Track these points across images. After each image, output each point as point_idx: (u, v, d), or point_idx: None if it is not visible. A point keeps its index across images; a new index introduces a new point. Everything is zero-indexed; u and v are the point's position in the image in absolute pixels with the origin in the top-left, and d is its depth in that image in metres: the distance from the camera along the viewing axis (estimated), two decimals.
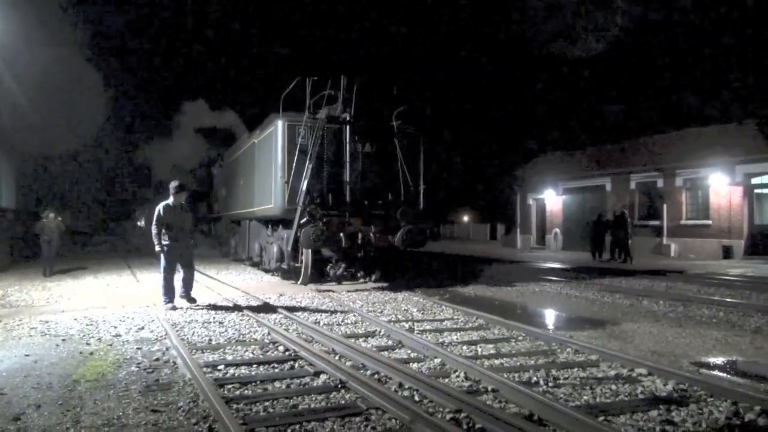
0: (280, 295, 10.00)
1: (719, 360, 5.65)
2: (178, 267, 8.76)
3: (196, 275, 13.30)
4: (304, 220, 10.51)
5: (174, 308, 8.34)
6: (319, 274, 11.38)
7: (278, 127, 11.32)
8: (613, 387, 4.62)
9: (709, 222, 19.94)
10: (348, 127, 11.20)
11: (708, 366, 5.38)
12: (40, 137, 20.90)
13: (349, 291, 10.54)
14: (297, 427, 3.72)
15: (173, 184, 8.71)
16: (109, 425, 3.77)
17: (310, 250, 10.91)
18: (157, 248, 8.41)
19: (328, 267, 11.37)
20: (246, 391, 4.49)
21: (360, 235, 10.94)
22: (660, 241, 21.44)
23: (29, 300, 9.80)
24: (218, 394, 4.18)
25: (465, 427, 3.68)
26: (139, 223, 50.51)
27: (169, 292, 8.51)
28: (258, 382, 4.74)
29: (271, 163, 11.53)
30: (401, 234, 11.02)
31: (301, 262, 11.05)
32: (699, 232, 20.24)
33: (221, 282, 12.13)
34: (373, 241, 11.06)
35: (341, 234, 10.73)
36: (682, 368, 5.06)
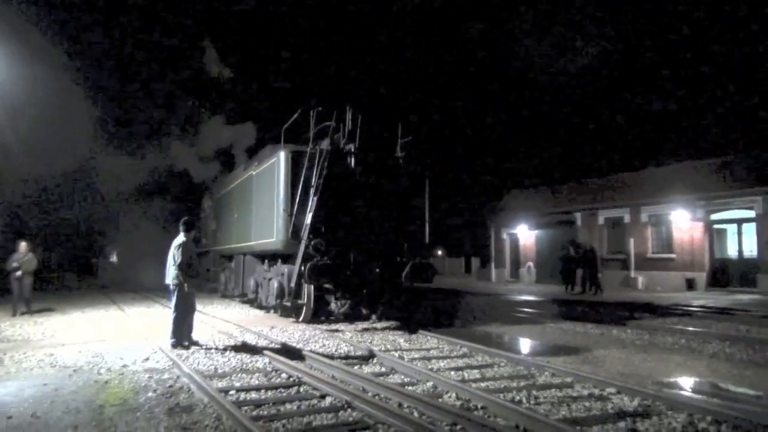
0: (272, 327, 10.44)
1: (678, 380, 6.35)
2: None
3: None
4: (308, 254, 10.12)
5: (186, 348, 8.18)
6: (321, 311, 11.10)
7: (281, 158, 11.06)
8: (587, 404, 5.24)
9: (674, 256, 21.02)
10: (353, 158, 10.94)
11: (669, 385, 6.05)
12: (21, 171, 21.17)
13: (356, 330, 10.16)
14: None
15: (183, 221, 8.73)
16: None
17: (312, 286, 10.52)
18: (186, 287, 8.37)
19: (332, 304, 10.98)
20: (262, 412, 4.99)
21: (365, 271, 10.55)
22: (628, 274, 22.43)
23: (25, 335, 10.03)
24: (241, 413, 4.67)
25: None
26: (111, 259, 50.00)
27: (178, 333, 8.32)
28: (270, 404, 5.24)
29: (273, 196, 11.24)
30: (408, 269, 10.75)
31: (304, 298, 10.76)
32: (664, 265, 21.28)
33: (212, 316, 12.50)
34: (379, 276, 10.66)
35: (346, 269, 10.34)
36: (647, 387, 5.71)
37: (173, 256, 8.45)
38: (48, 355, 7.79)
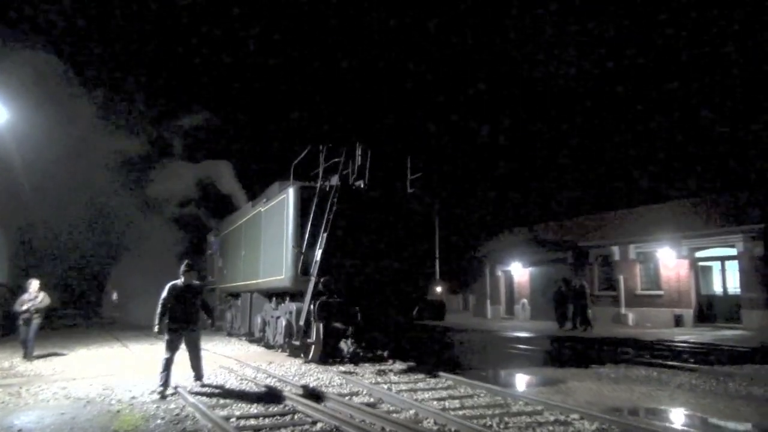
0: (270, 362, 11.00)
1: (638, 407, 6.97)
2: (183, 347, 8.45)
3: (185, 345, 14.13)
4: (318, 291, 10.07)
5: (163, 396, 7.61)
6: (330, 351, 10.81)
7: (290, 194, 11.02)
8: (550, 428, 5.87)
9: (662, 292, 21.62)
10: (363, 194, 10.99)
11: (628, 411, 6.66)
12: (31, 213, 22.01)
13: (370, 372, 9.71)
14: None
15: (182, 265, 8.63)
16: None
17: (321, 325, 10.29)
18: (156, 329, 8.22)
19: (342, 343, 10.87)
20: None
21: (376, 309, 10.40)
22: (618, 311, 22.98)
23: (36, 370, 10.60)
24: None
25: None
26: (113, 297, 50.44)
27: (164, 376, 7.94)
28: (268, 429, 5.86)
29: (282, 232, 11.18)
30: (419, 307, 10.78)
31: (312, 337, 10.48)
32: (653, 301, 21.87)
33: (212, 352, 13.05)
34: (390, 314, 10.56)
35: (356, 307, 10.20)
36: (607, 414, 6.32)
37: None
38: (61, 389, 8.38)
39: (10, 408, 7.10)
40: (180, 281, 8.48)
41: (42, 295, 12.39)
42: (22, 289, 13.03)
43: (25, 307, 12.13)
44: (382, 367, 10.26)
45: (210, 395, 7.71)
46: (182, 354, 8.46)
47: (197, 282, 8.77)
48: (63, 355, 13.22)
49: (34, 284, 12.35)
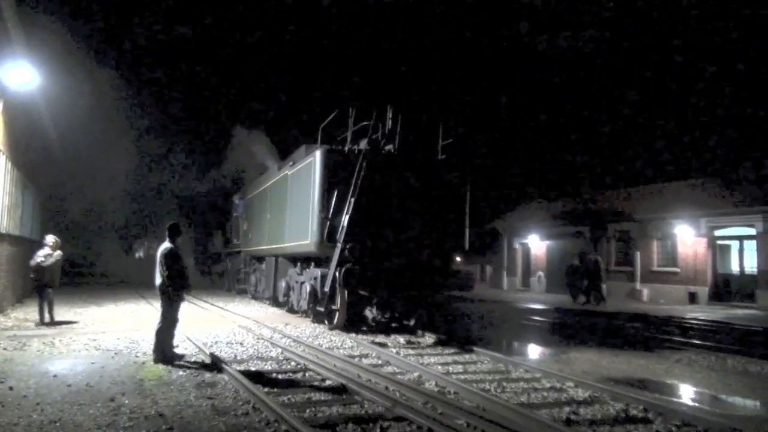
0: (286, 324, 11.51)
1: (632, 378, 7.27)
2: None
3: (208, 306, 14.82)
4: (344, 258, 9.93)
5: (174, 359, 7.39)
6: (354, 318, 10.71)
7: (317, 157, 10.76)
8: (545, 393, 6.21)
9: (678, 269, 21.69)
10: (392, 159, 10.73)
11: (622, 382, 6.96)
12: (61, 173, 22.78)
13: (382, 337, 9.82)
14: (313, 408, 5.31)
15: (170, 226, 7.88)
16: (180, 405, 5.34)
17: (346, 292, 10.14)
18: (177, 297, 7.74)
19: (366, 311, 10.76)
20: (273, 389, 6.06)
21: (402, 277, 10.24)
22: (634, 286, 23.11)
23: (68, 323, 11.27)
24: (255, 387, 5.75)
25: (430, 410, 5.25)
26: (137, 255, 51.92)
27: (169, 349, 7.53)
28: (280, 384, 6.31)
29: (309, 197, 10.97)
30: (447, 277, 10.67)
31: (337, 304, 10.40)
32: (668, 278, 21.95)
33: (232, 312, 13.65)
34: (416, 283, 10.36)
35: (382, 275, 10.09)
36: (600, 383, 6.64)
37: (161, 264, 7.63)
38: (91, 340, 8.98)
39: (45, 356, 7.69)
40: (170, 243, 7.72)
41: (56, 253, 10.85)
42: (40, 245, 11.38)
43: (35, 262, 10.72)
44: (404, 336, 10.10)
45: (229, 352, 8.22)
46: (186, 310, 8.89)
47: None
48: (92, 309, 13.94)
49: (49, 239, 10.94)
